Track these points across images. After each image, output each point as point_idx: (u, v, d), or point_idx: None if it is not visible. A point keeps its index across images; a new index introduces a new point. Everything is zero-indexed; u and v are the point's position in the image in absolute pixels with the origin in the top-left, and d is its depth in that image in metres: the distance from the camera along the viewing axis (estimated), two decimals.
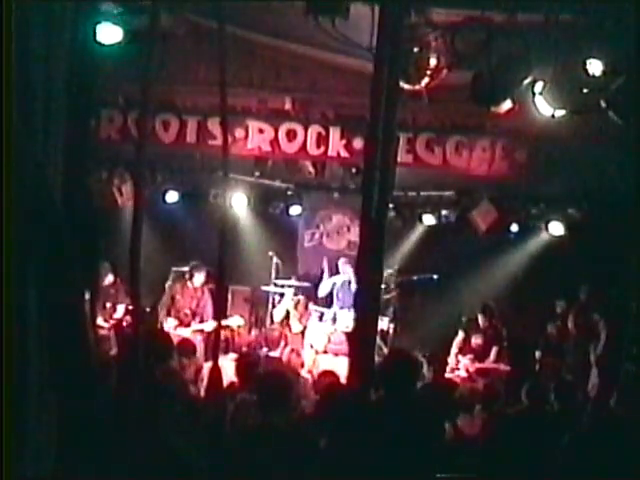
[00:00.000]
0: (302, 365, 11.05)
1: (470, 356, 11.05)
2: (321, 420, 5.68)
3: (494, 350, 11.04)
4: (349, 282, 11.74)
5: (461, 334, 11.31)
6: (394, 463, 4.98)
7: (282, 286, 12.03)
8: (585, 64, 7.01)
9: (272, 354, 11.09)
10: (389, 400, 5.32)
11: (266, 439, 5.10)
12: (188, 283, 11.15)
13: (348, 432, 4.70)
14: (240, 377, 6.64)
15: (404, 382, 5.47)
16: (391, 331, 11.79)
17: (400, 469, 4.99)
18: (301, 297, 11.88)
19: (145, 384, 3.87)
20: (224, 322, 11.01)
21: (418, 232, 12.90)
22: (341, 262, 12.21)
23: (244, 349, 11.43)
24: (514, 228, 12.36)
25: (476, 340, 11.11)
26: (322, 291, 12.14)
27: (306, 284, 12.32)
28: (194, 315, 11.09)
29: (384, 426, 5.05)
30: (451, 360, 11.11)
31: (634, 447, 4.95)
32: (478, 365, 10.89)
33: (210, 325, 10.59)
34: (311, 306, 12.03)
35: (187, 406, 5.46)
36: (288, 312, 11.76)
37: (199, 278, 11.08)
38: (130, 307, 5.59)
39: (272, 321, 11.93)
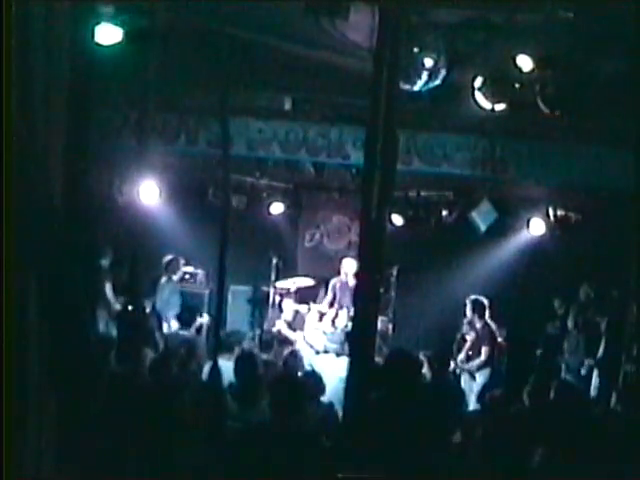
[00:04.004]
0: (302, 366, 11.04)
1: (468, 354, 11.01)
2: (323, 420, 5.68)
3: (484, 349, 10.91)
4: (348, 282, 11.75)
5: (458, 333, 11.27)
6: (394, 463, 4.98)
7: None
8: (515, 60, 7.59)
9: (267, 357, 11.09)
10: (389, 400, 5.32)
11: (278, 440, 5.08)
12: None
13: (349, 431, 4.70)
14: (239, 377, 6.62)
15: (404, 382, 5.47)
16: (391, 331, 11.78)
17: (400, 469, 4.99)
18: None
19: (146, 385, 3.87)
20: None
21: (418, 232, 12.89)
22: (342, 262, 12.22)
23: (243, 349, 11.43)
24: (514, 228, 12.36)
25: (470, 337, 11.06)
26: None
27: (306, 284, 12.35)
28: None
29: (384, 426, 5.05)
30: (451, 359, 11.08)
31: (634, 447, 4.96)
32: (474, 363, 10.85)
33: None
34: (311, 306, 12.05)
35: (189, 406, 5.45)
36: (297, 312, 11.80)
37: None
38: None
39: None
